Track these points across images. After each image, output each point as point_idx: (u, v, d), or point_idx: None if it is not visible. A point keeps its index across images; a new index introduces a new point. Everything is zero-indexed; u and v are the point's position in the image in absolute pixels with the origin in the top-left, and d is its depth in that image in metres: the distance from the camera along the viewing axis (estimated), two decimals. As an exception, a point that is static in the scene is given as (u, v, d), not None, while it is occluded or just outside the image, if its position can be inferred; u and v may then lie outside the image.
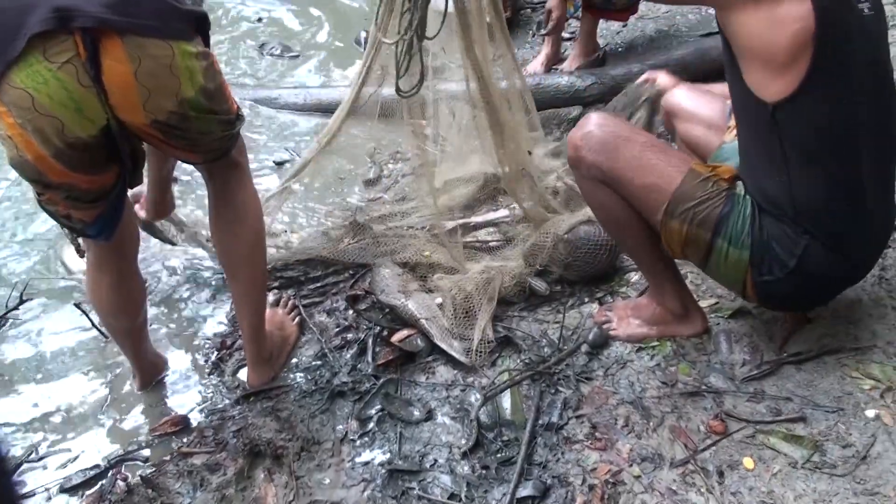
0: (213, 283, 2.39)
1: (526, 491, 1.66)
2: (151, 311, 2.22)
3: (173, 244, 2.42)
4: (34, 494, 1.81)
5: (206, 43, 1.56)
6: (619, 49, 3.44)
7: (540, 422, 1.81)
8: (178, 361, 2.16)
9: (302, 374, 2.05)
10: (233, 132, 1.67)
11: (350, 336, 2.15)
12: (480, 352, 1.99)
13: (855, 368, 1.80)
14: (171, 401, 2.05)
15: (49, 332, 2.27)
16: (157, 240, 2.41)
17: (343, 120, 2.32)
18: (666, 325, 1.96)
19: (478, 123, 2.20)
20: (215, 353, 2.16)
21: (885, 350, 1.82)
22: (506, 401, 1.88)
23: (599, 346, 1.98)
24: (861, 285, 1.92)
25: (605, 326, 2.02)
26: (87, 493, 1.81)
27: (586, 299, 2.17)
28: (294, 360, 2.11)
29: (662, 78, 2.28)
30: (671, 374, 1.88)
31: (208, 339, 2.22)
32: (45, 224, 2.60)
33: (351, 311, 2.22)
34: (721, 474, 1.64)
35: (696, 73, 2.82)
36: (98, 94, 1.40)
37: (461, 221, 2.43)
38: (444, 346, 2.01)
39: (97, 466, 1.87)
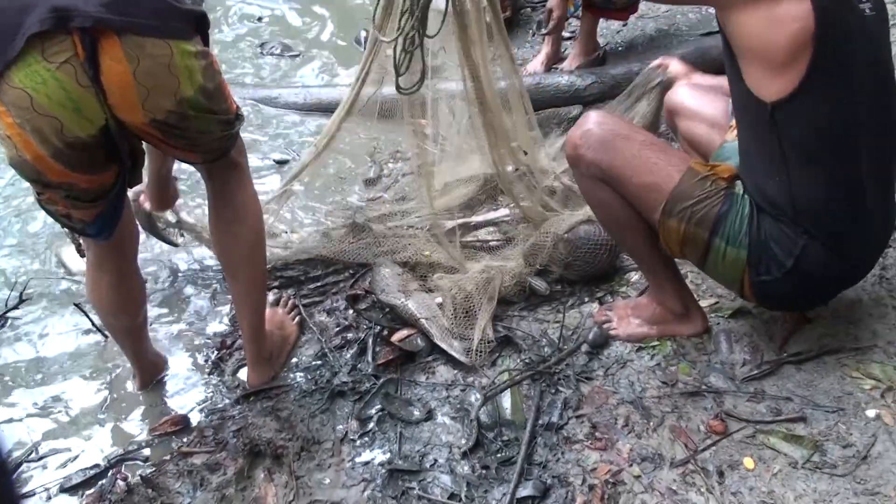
0: (214, 283, 2.39)
1: (526, 491, 1.66)
2: (152, 311, 2.22)
3: (174, 245, 2.42)
4: (34, 494, 1.81)
5: (206, 42, 1.55)
6: (620, 48, 3.43)
7: (540, 422, 1.80)
8: (178, 361, 2.15)
9: (302, 374, 2.05)
10: (232, 132, 1.67)
11: (350, 336, 2.14)
12: (480, 351, 1.99)
13: (855, 368, 1.80)
14: (171, 400, 2.05)
15: (49, 332, 2.27)
16: (157, 240, 2.41)
17: (342, 121, 2.32)
18: (666, 324, 1.96)
19: (473, 123, 2.20)
20: (215, 352, 2.16)
21: (886, 350, 1.82)
22: (506, 401, 1.88)
23: (599, 346, 1.98)
24: (861, 285, 1.92)
25: (605, 326, 2.01)
26: (87, 492, 1.82)
27: (586, 299, 2.16)
28: (294, 360, 2.10)
29: (675, 65, 2.27)
30: (671, 374, 1.88)
31: (208, 338, 2.22)
32: (44, 223, 2.60)
33: (351, 311, 2.22)
34: (721, 474, 1.64)
35: (696, 72, 2.82)
36: (96, 94, 1.40)
37: (461, 221, 2.42)
38: (444, 345, 2.00)
39: (97, 466, 1.87)
